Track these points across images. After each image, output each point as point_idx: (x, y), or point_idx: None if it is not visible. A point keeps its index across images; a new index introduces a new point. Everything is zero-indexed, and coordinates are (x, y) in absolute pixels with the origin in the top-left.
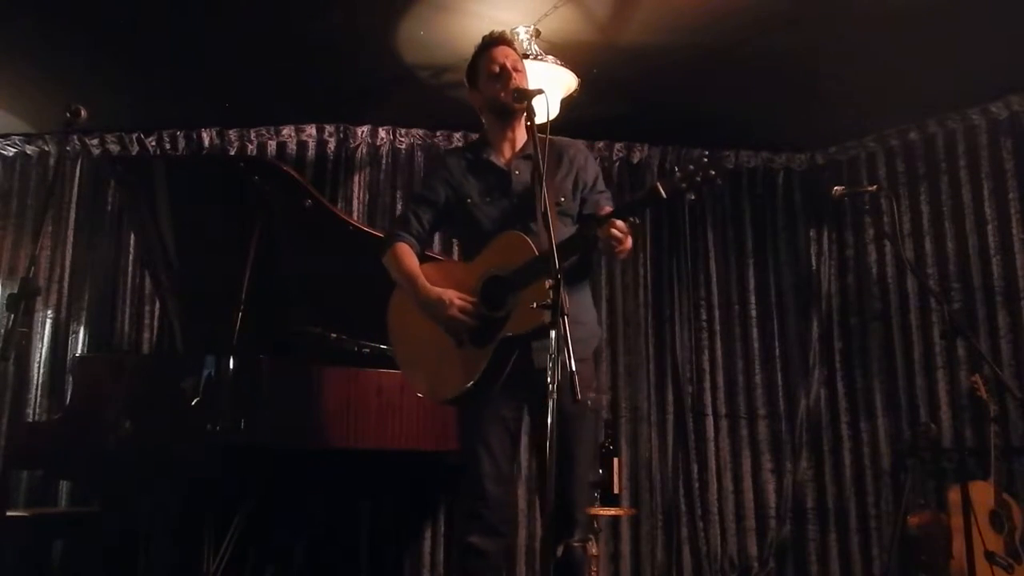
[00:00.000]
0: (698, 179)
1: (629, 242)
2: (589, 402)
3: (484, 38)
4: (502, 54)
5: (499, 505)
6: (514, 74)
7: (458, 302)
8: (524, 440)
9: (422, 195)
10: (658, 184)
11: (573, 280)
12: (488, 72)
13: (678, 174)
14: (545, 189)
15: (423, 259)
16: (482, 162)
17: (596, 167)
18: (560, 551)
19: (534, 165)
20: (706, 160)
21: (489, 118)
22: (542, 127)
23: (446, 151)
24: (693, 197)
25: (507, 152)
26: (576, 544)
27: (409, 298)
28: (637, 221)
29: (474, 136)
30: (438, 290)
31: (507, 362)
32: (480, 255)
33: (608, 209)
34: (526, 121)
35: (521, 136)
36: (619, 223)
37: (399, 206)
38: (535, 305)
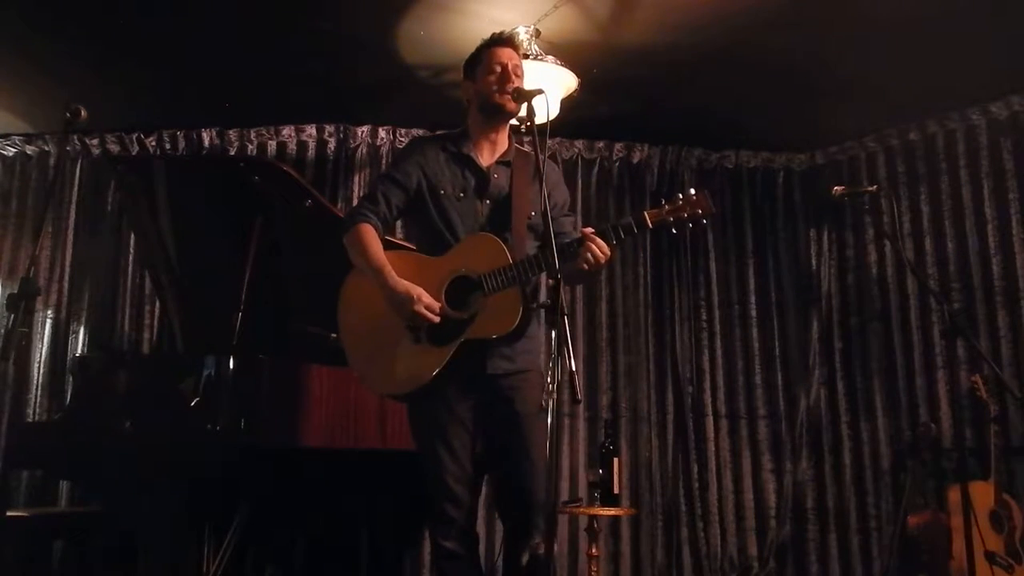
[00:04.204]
0: (684, 215)
1: (603, 264)
2: (542, 403)
3: (493, 35)
4: (507, 55)
5: (467, 506)
6: (514, 78)
7: (426, 299)
8: None
9: (394, 177)
10: (646, 214)
11: (532, 299)
12: (488, 69)
13: (667, 207)
14: (508, 199)
15: (385, 244)
16: (463, 156)
17: (566, 190)
18: (525, 559)
19: (513, 172)
20: (695, 198)
21: (476, 115)
22: (542, 127)
23: (422, 138)
24: (675, 232)
25: (487, 153)
26: (540, 551)
27: (372, 286)
28: (613, 243)
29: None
30: (406, 284)
31: (463, 364)
32: (450, 252)
33: (589, 229)
34: (526, 122)
35: (503, 141)
36: (600, 243)
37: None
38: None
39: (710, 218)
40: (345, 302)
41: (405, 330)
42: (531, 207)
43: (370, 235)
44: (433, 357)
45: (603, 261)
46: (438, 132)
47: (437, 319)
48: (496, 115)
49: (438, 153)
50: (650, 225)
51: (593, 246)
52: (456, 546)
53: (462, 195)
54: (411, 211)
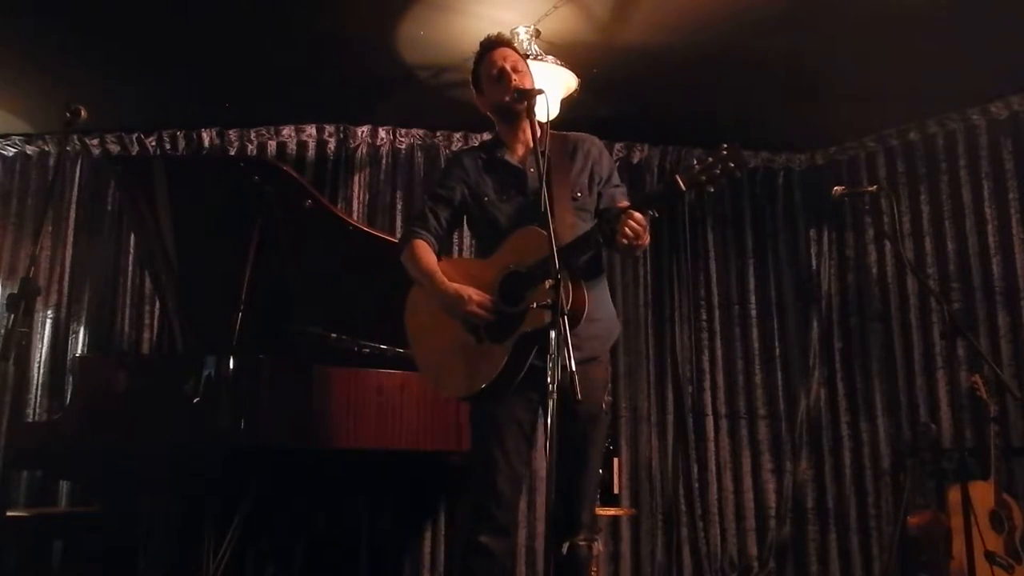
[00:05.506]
0: (717, 171)
1: (647, 238)
2: (604, 404)
3: (482, 42)
4: (500, 56)
5: (510, 506)
6: (514, 75)
7: (476, 298)
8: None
9: (439, 193)
10: (677, 176)
11: (589, 276)
12: (488, 76)
13: (697, 166)
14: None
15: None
16: (497, 161)
17: (611, 161)
18: (565, 549)
19: (546, 161)
20: (725, 151)
21: (498, 121)
22: (542, 127)
23: (461, 151)
24: (712, 190)
25: (520, 151)
26: (581, 543)
27: (427, 295)
28: (655, 215)
29: (476, 137)
30: (456, 286)
31: (526, 358)
32: (497, 251)
33: (625, 203)
34: (529, 116)
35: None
36: (637, 216)
37: (399, 206)
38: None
39: (744, 170)
40: (410, 311)
41: (466, 333)
42: (575, 188)
43: (422, 248)
44: (496, 355)
45: (642, 233)
46: (473, 145)
47: (490, 316)
48: (513, 117)
49: (476, 162)
50: (683, 187)
51: (631, 221)
52: (491, 541)
53: (505, 197)
54: (462, 223)
